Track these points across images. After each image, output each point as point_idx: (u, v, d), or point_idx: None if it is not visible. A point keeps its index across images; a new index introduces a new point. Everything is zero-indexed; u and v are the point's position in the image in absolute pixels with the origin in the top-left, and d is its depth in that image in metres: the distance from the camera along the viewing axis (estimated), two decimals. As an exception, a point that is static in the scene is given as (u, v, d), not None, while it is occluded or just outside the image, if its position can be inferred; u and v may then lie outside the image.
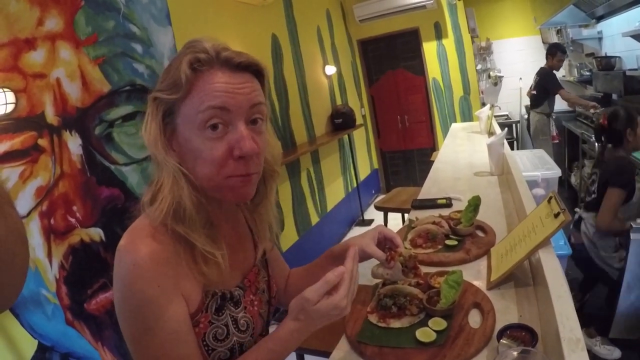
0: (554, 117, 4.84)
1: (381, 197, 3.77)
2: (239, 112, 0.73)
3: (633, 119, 2.38)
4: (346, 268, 0.78)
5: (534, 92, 4.74)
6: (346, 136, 4.93)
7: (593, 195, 2.45)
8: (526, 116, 5.96)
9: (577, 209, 2.64)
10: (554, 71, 4.67)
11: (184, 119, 0.74)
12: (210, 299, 0.78)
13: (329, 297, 0.75)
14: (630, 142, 2.40)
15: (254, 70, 0.78)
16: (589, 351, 2.32)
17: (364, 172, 5.63)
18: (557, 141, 4.87)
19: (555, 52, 4.62)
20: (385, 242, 1.00)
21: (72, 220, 1.70)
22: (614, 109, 2.50)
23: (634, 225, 2.18)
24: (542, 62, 4.91)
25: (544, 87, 4.62)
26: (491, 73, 6.48)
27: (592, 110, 4.25)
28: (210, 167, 0.74)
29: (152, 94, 0.76)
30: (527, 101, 5.86)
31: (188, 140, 0.74)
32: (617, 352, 2.39)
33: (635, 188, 2.33)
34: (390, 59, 5.64)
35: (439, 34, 5.30)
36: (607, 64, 4.32)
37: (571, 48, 5.44)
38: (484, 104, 5.31)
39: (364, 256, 0.97)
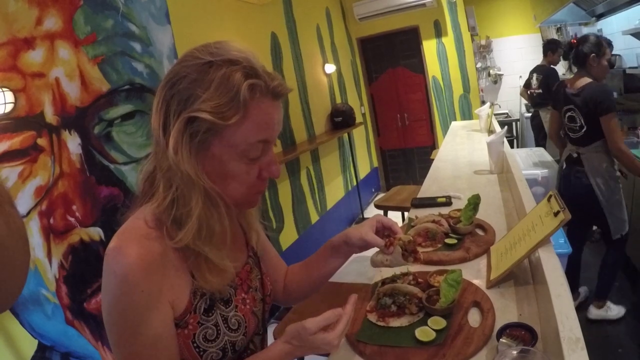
0: None
1: (381, 195, 3.77)
2: (274, 140, 0.80)
3: (600, 47, 2.42)
4: (345, 312, 0.82)
5: (540, 90, 4.73)
6: (346, 135, 4.93)
7: (583, 130, 2.46)
8: (527, 114, 5.94)
9: (571, 149, 2.65)
10: (552, 66, 4.69)
11: (227, 143, 0.73)
12: (199, 299, 0.78)
13: (325, 333, 0.79)
14: (593, 67, 2.44)
15: None
16: (603, 320, 2.59)
17: (363, 170, 5.63)
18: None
19: (556, 48, 4.65)
20: (384, 230, 1.00)
21: (72, 219, 1.70)
22: (588, 33, 2.56)
23: None
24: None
25: (549, 84, 4.63)
26: (491, 71, 6.48)
27: None
28: (244, 188, 0.78)
29: (191, 112, 0.70)
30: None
31: (224, 163, 0.75)
32: (622, 310, 2.65)
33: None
34: (390, 57, 5.64)
35: (438, 32, 5.29)
36: (607, 62, 4.31)
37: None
38: (483, 102, 5.31)
39: (363, 244, 0.97)
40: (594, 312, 2.66)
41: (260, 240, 1.01)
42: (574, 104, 2.47)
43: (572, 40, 2.56)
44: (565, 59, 2.70)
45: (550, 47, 4.68)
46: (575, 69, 2.55)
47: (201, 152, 0.73)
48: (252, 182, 0.79)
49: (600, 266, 2.69)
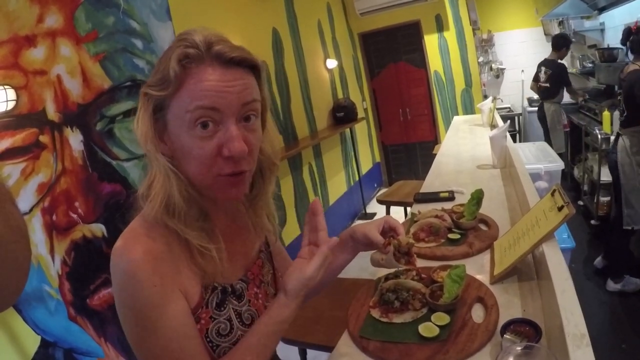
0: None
1: (383, 190, 3.77)
2: (230, 111, 0.71)
3: None
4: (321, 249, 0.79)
5: (547, 84, 4.72)
6: (348, 130, 4.92)
7: (624, 114, 2.60)
8: (529, 109, 5.93)
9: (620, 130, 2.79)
10: (560, 61, 4.72)
11: (174, 116, 0.72)
12: (210, 293, 0.78)
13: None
14: None
15: (249, 65, 0.75)
16: (622, 292, 2.67)
17: (365, 165, 5.62)
18: (568, 129, 4.87)
19: (568, 44, 4.72)
20: (390, 231, 1.00)
21: (74, 216, 1.70)
22: None
23: None
24: (544, 54, 4.89)
25: (559, 80, 4.63)
26: (493, 65, 6.45)
27: (580, 99, 4.50)
28: (199, 166, 0.73)
29: (142, 88, 0.74)
30: (528, 93, 5.83)
31: (178, 138, 0.72)
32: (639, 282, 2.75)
33: None
34: (392, 52, 5.61)
35: (440, 26, 5.27)
36: (610, 55, 4.29)
37: (573, 40, 5.42)
38: (486, 97, 5.30)
39: (366, 241, 0.97)
40: (611, 285, 2.73)
41: (271, 240, 1.00)
42: (621, 88, 2.61)
43: (632, 27, 2.63)
44: (623, 44, 2.82)
45: (564, 44, 4.71)
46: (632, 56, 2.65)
47: (164, 130, 0.74)
48: (210, 159, 0.72)
49: (608, 252, 2.82)
